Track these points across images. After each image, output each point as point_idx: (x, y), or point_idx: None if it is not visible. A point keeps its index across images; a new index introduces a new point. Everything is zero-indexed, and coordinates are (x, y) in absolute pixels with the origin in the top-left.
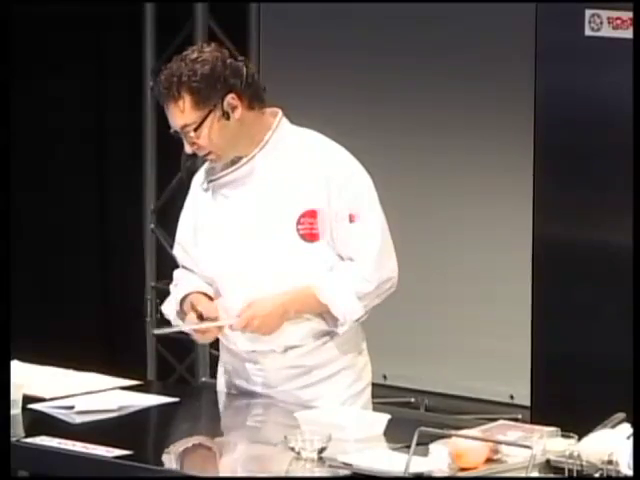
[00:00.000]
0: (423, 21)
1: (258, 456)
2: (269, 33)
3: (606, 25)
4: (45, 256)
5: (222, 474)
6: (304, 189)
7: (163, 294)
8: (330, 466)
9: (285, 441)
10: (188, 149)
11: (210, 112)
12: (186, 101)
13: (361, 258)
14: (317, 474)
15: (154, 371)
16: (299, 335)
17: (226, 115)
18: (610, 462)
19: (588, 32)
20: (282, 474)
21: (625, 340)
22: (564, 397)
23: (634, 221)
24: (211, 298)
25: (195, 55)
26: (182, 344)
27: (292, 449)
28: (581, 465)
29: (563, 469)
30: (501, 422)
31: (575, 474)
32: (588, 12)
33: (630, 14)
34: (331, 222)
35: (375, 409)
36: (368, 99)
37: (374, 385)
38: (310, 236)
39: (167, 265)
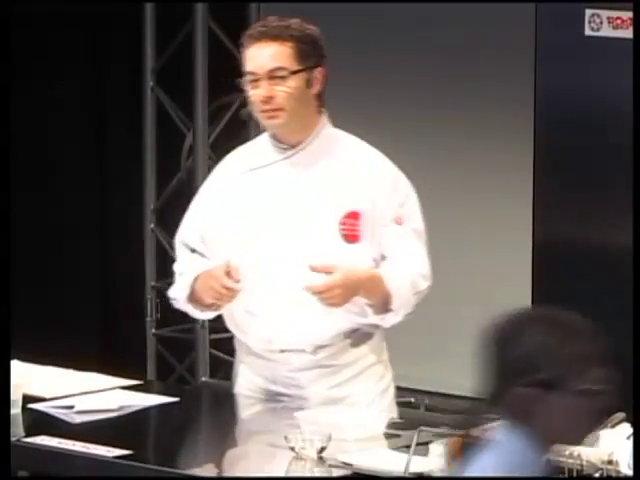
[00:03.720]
0: (423, 21)
1: (258, 456)
2: None
3: (606, 25)
4: (45, 256)
5: (222, 474)
6: (350, 190)
7: (163, 294)
8: (330, 466)
9: (285, 441)
10: (262, 94)
11: (303, 70)
12: (291, 47)
13: (415, 257)
14: (317, 474)
15: (154, 371)
16: (329, 334)
17: (309, 84)
18: (610, 462)
19: (588, 32)
20: (282, 474)
21: (625, 340)
22: None
23: (634, 221)
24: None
25: (301, 21)
26: (182, 344)
27: (292, 449)
28: (581, 465)
29: (563, 469)
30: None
31: (575, 474)
32: (588, 12)
33: (630, 14)
34: (375, 225)
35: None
36: (368, 99)
37: None
38: (352, 237)
39: (167, 265)
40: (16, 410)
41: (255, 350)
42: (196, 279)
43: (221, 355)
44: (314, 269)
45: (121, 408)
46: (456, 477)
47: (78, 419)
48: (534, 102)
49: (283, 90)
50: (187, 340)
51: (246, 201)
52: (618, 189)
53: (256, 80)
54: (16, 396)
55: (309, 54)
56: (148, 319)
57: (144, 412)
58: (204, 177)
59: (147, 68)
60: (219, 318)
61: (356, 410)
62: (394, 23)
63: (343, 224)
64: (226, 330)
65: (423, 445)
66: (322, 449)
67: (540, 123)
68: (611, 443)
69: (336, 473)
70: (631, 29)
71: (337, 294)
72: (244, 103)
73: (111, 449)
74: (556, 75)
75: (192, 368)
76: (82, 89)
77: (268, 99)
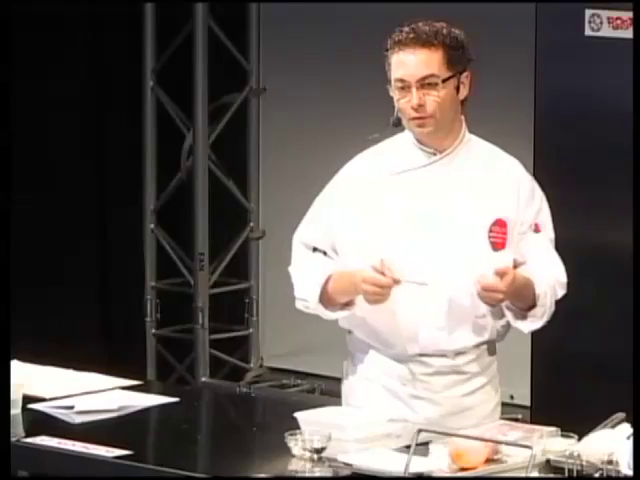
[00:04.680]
0: (423, 21)
1: (258, 456)
2: (269, 33)
3: (606, 25)
4: (45, 256)
5: (222, 474)
6: (496, 197)
7: (163, 294)
8: (330, 466)
9: (285, 441)
10: (413, 103)
11: (454, 75)
12: (441, 53)
13: (554, 265)
14: (317, 474)
15: (154, 371)
16: (473, 340)
17: (457, 88)
18: (610, 462)
19: (588, 32)
20: (282, 474)
21: (625, 340)
22: (564, 397)
23: (634, 221)
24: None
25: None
26: (182, 344)
27: (292, 449)
28: (581, 465)
29: (563, 469)
30: (501, 422)
31: (575, 474)
32: (588, 12)
33: (630, 14)
34: (516, 232)
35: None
36: (368, 99)
37: None
38: (499, 245)
39: (167, 265)
40: (16, 410)
41: (391, 352)
42: (328, 279)
43: (221, 355)
44: (499, 273)
45: (121, 408)
46: (456, 477)
47: (78, 419)
48: (534, 102)
49: (434, 98)
50: (187, 340)
51: (392, 204)
52: (618, 189)
53: (406, 87)
54: (16, 396)
55: (458, 59)
56: (148, 319)
57: (144, 412)
58: (204, 177)
59: (147, 68)
60: (218, 318)
61: (356, 410)
62: (394, 23)
63: (492, 231)
64: (226, 330)
65: (423, 445)
66: (322, 449)
67: (540, 123)
68: (611, 443)
69: (336, 473)
70: (631, 29)
71: (501, 297)
72: (245, 104)
73: (111, 449)
74: (556, 75)
75: (192, 368)
76: (82, 89)
77: (419, 107)
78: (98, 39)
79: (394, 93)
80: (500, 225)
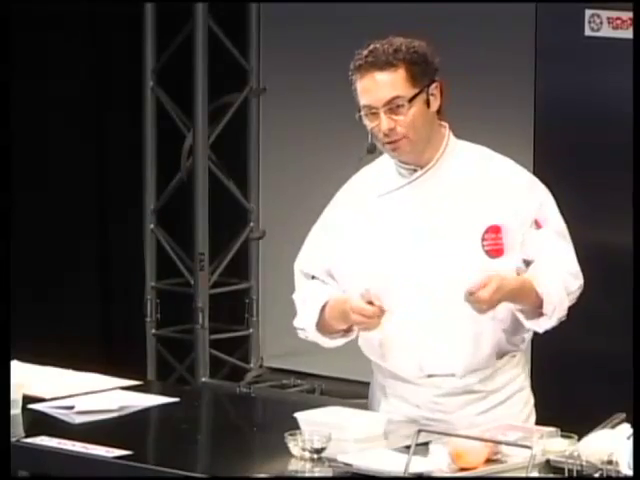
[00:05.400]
0: (423, 21)
1: (258, 456)
2: (269, 33)
3: (606, 25)
4: (45, 256)
5: (222, 474)
6: (488, 203)
7: (163, 294)
8: (330, 466)
9: (285, 441)
10: (384, 128)
11: (420, 91)
12: (403, 72)
13: (561, 257)
14: (317, 474)
15: (154, 371)
16: (479, 357)
17: (427, 103)
18: (610, 462)
19: (588, 32)
20: (282, 474)
21: (625, 340)
22: (564, 397)
23: (634, 221)
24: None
25: (408, 38)
26: (182, 344)
27: (292, 449)
28: (581, 465)
29: (563, 469)
30: (501, 422)
31: (575, 474)
32: (588, 12)
33: (630, 14)
34: (516, 234)
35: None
36: None
37: None
38: (495, 252)
39: (167, 265)
40: (16, 410)
41: (401, 375)
42: (324, 307)
43: (221, 355)
44: (471, 294)
45: (121, 408)
46: (456, 477)
47: (78, 419)
48: (534, 102)
49: (403, 119)
50: (187, 340)
51: (379, 229)
52: (618, 189)
53: (374, 113)
54: (16, 396)
55: (422, 74)
56: (148, 319)
57: (144, 412)
58: (204, 177)
59: (147, 68)
60: (218, 318)
61: (356, 410)
62: (394, 23)
63: (485, 240)
64: (226, 330)
65: (423, 445)
66: (322, 449)
67: (540, 123)
68: (611, 443)
69: (336, 473)
70: (631, 29)
71: (485, 307)
72: (245, 104)
73: (111, 449)
74: (556, 75)
75: (192, 368)
76: (82, 89)
77: (390, 131)
78: (98, 39)
79: (364, 119)
80: (494, 232)
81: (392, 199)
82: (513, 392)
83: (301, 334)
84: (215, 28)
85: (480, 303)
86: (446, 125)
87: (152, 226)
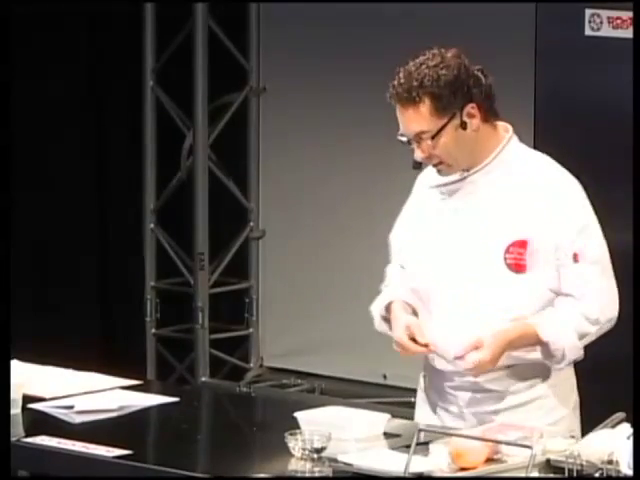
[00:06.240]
0: (423, 21)
1: (258, 456)
2: (269, 33)
3: (606, 25)
4: (45, 256)
5: (222, 474)
6: (520, 216)
7: (163, 294)
8: (330, 466)
9: (285, 441)
10: (419, 156)
11: (450, 120)
12: (427, 106)
13: (586, 299)
14: (317, 474)
15: (154, 371)
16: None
17: (464, 125)
18: (610, 462)
19: (588, 32)
20: (282, 474)
21: (625, 340)
22: None
23: (634, 220)
24: (415, 312)
25: (437, 60)
26: (182, 344)
27: (292, 449)
28: (581, 465)
29: (563, 469)
30: (501, 422)
31: (575, 474)
32: (588, 12)
33: (630, 14)
34: (547, 256)
35: (375, 409)
36: (368, 99)
37: (374, 385)
38: (517, 266)
39: (167, 265)
40: (16, 410)
41: (433, 365)
42: (390, 304)
43: (221, 355)
44: (458, 358)
45: (121, 408)
46: (456, 477)
47: (78, 419)
48: (534, 102)
49: (437, 148)
50: (187, 340)
51: (427, 226)
52: (618, 189)
53: (410, 142)
54: (16, 396)
55: (449, 103)
56: (148, 319)
57: (144, 412)
58: (204, 177)
59: (147, 68)
60: (218, 318)
61: (356, 410)
62: (394, 23)
63: (509, 252)
64: (226, 330)
65: (423, 445)
66: (322, 449)
67: (540, 123)
68: (611, 443)
69: (336, 473)
70: (631, 29)
71: (485, 369)
72: (245, 104)
73: (111, 449)
74: (556, 75)
75: (192, 368)
76: (82, 89)
77: (425, 159)
78: (98, 39)
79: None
80: (519, 246)
81: (440, 196)
82: (533, 397)
83: (374, 323)
84: (215, 28)
85: (481, 368)
86: (508, 127)
87: (152, 226)
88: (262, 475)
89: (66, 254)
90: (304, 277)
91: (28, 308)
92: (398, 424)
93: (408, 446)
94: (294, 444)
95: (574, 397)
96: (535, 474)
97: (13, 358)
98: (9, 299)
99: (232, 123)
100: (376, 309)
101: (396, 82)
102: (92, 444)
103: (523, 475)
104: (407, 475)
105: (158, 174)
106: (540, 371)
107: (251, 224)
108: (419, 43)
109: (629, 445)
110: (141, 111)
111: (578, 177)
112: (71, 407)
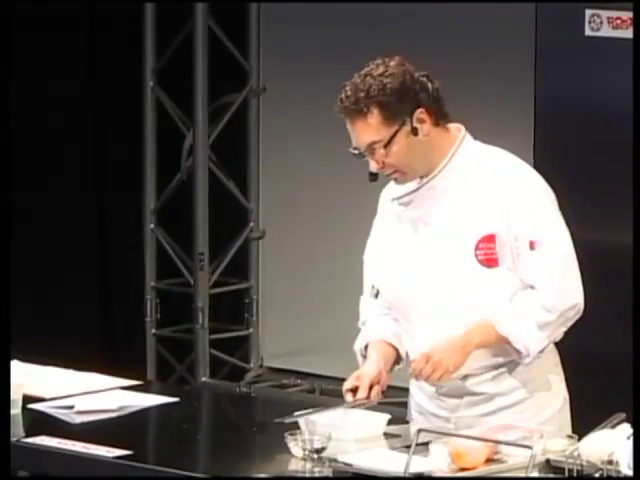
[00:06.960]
0: (423, 21)
1: (258, 456)
2: (269, 33)
3: (606, 25)
4: (45, 256)
5: (222, 474)
6: (483, 212)
7: (163, 294)
8: (330, 466)
9: (285, 441)
10: (373, 167)
11: (400, 127)
12: (376, 116)
13: (542, 286)
14: (317, 474)
15: (154, 371)
16: (474, 365)
17: (415, 131)
18: (610, 462)
19: (588, 32)
20: (282, 474)
21: (625, 340)
22: None
23: (634, 220)
24: (393, 346)
25: (382, 69)
26: (182, 344)
27: (292, 449)
28: (581, 465)
29: (563, 469)
30: (501, 422)
31: (575, 474)
32: (588, 12)
33: (630, 14)
34: (512, 248)
35: (375, 409)
36: None
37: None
38: (489, 261)
39: (167, 265)
40: (16, 410)
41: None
42: (367, 344)
43: (221, 355)
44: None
45: (121, 408)
46: (456, 477)
47: (78, 419)
48: (534, 102)
49: (390, 157)
50: (187, 340)
51: (393, 235)
52: (618, 189)
53: (362, 154)
54: (16, 396)
55: (398, 111)
56: (148, 319)
57: (144, 412)
58: (204, 177)
59: (147, 68)
60: (218, 318)
61: (356, 410)
62: (394, 23)
63: (479, 249)
64: (226, 330)
65: (423, 445)
66: (322, 449)
67: (540, 123)
68: (611, 443)
69: (336, 473)
70: (631, 29)
71: (430, 374)
72: (245, 104)
73: (111, 449)
74: (556, 75)
75: (192, 368)
76: (82, 89)
77: (379, 169)
78: (98, 39)
79: None
80: (488, 241)
81: (402, 205)
82: (522, 398)
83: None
84: (215, 28)
85: (433, 375)
86: (460, 127)
87: (152, 226)
88: (262, 475)
89: (66, 254)
90: (304, 277)
91: (28, 308)
92: (398, 424)
93: (408, 446)
94: (294, 444)
95: (563, 394)
96: (535, 474)
97: (13, 358)
98: (9, 299)
99: (232, 123)
100: (358, 351)
101: (343, 96)
102: (92, 444)
103: (523, 475)
104: (407, 475)
105: (158, 174)
106: (526, 371)
107: (251, 224)
108: (419, 43)
109: (629, 445)
110: (141, 111)
111: (578, 176)
112: (71, 407)
